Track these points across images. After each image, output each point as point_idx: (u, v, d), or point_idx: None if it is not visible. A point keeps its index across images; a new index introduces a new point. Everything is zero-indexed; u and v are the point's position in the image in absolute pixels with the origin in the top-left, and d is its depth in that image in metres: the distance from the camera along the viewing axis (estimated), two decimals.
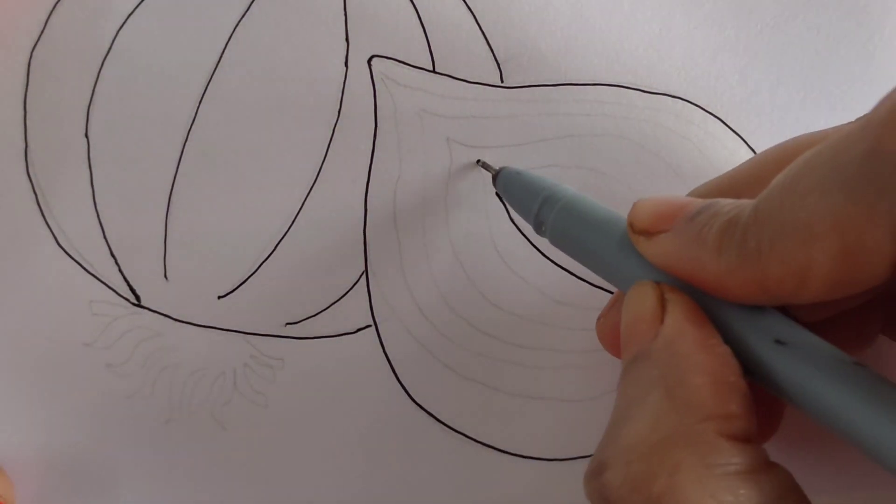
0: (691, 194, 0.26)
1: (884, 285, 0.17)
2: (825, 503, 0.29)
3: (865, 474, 0.29)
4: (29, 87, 0.31)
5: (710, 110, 0.31)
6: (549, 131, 0.31)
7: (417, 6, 0.31)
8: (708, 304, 0.20)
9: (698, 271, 0.19)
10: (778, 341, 0.19)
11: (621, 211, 0.22)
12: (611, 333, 0.26)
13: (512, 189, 0.27)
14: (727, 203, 0.20)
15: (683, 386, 0.18)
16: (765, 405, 0.24)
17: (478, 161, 0.30)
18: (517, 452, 0.31)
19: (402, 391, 0.31)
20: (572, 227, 0.24)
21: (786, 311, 0.20)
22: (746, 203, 0.19)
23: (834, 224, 0.17)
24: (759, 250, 0.18)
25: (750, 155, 0.31)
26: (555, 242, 0.25)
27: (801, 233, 0.17)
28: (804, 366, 0.18)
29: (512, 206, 0.28)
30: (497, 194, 0.30)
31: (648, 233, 0.21)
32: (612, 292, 0.31)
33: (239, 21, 0.31)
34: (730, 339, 0.19)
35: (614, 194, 0.31)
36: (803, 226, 0.17)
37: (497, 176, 0.29)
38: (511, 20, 0.31)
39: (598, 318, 0.27)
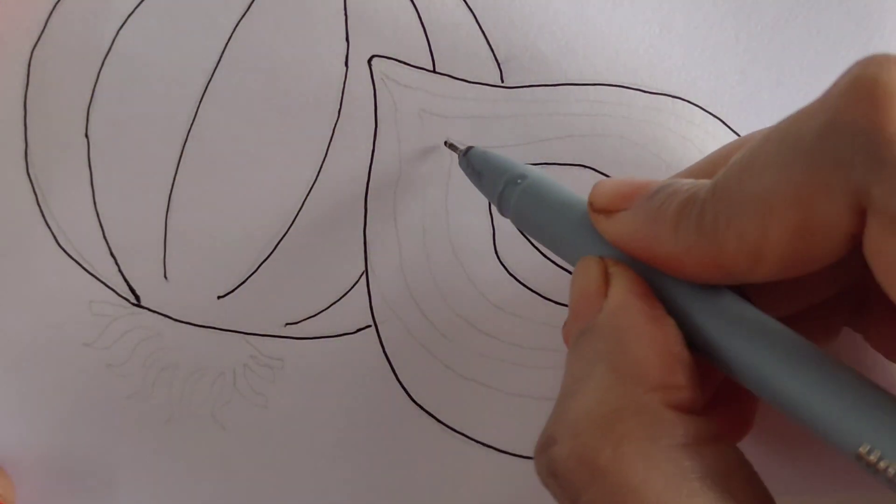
0: None
1: (845, 272, 0.17)
2: (800, 502, 0.29)
3: (839, 473, 0.29)
4: (29, 87, 0.31)
5: (710, 110, 0.31)
6: (549, 131, 0.31)
7: (418, 6, 0.31)
8: (662, 282, 0.20)
9: (656, 249, 0.19)
10: (732, 319, 0.19)
11: None
12: None
13: (478, 169, 0.27)
14: (686, 182, 0.20)
15: (628, 357, 0.18)
16: (738, 403, 0.24)
17: (445, 142, 0.30)
18: (517, 452, 0.31)
19: (402, 391, 0.31)
20: (533, 207, 0.24)
21: (748, 299, 0.20)
22: (705, 181, 0.19)
23: (790, 198, 0.17)
24: (716, 226, 0.18)
25: None
26: (517, 223, 0.25)
27: (757, 207, 0.17)
28: (755, 344, 0.18)
29: (477, 185, 0.27)
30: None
31: (608, 211, 0.21)
32: None
33: (239, 21, 0.31)
34: (681, 315, 0.19)
35: None
36: (760, 200, 0.17)
37: (463, 156, 0.28)
38: (511, 20, 0.31)
39: (565, 325, 0.27)
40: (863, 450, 0.16)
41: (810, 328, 0.22)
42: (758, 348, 0.18)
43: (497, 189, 0.25)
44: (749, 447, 0.20)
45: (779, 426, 0.27)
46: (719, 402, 0.24)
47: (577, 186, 0.30)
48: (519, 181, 0.25)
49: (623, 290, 0.20)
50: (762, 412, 0.25)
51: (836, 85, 0.17)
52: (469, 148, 0.28)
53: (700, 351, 0.19)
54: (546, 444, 0.19)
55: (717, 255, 0.18)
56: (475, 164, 0.27)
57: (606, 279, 0.20)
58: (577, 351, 0.20)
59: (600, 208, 0.21)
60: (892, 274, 0.16)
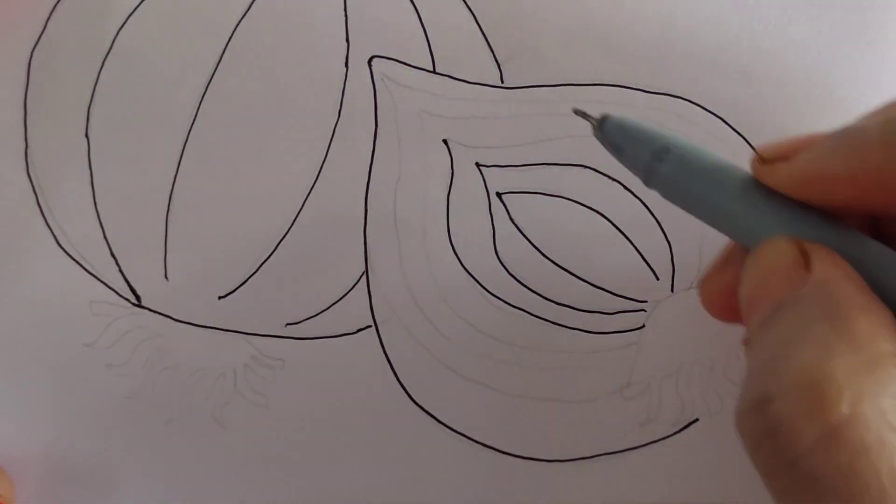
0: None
1: None
2: None
3: None
4: (29, 87, 0.31)
5: (711, 110, 0.31)
6: (549, 132, 0.31)
7: (418, 6, 0.31)
8: (864, 260, 0.20)
9: (858, 171, 0.19)
10: None
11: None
12: (721, 295, 0.24)
13: (618, 139, 0.25)
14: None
15: (852, 323, 0.18)
16: None
17: (575, 110, 0.27)
18: (517, 453, 0.31)
19: (402, 391, 0.31)
20: (687, 177, 0.23)
21: None
22: None
23: None
24: None
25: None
26: (666, 195, 0.24)
27: None
28: None
29: (618, 157, 0.26)
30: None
31: (784, 158, 0.20)
32: (611, 292, 0.31)
33: (239, 21, 0.31)
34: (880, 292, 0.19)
35: (614, 195, 0.31)
36: None
37: (600, 126, 0.26)
38: (511, 20, 0.31)
39: (702, 281, 0.25)
40: None
41: None
42: None
43: (641, 165, 0.24)
44: None
45: None
46: None
47: (578, 187, 0.31)
48: (667, 151, 0.24)
49: (830, 264, 0.19)
50: None
51: None
52: (604, 118, 0.26)
53: None
54: (760, 403, 0.18)
55: None
56: (613, 139, 0.25)
57: (805, 256, 0.20)
58: (780, 322, 0.19)
59: (775, 156, 0.21)
60: None
